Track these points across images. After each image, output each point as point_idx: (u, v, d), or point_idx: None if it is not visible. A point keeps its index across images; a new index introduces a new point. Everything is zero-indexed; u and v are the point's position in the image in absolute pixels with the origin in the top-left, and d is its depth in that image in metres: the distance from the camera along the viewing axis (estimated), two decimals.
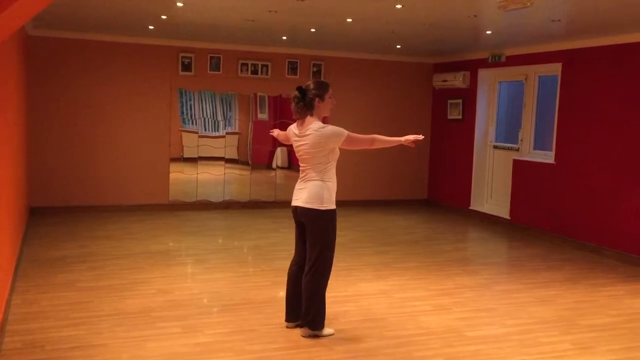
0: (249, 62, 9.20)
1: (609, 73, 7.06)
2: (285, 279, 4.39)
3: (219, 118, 9.49)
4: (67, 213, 8.39)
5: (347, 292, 5.27)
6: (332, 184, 4.14)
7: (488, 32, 7.13)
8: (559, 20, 6.12)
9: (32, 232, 7.19)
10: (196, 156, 9.32)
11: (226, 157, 9.48)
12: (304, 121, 4.14)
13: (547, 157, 8.04)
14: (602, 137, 7.15)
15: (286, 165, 9.97)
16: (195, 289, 5.31)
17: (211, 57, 9.00)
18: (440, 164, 10.17)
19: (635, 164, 6.72)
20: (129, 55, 8.66)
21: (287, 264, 6.03)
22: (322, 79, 9.05)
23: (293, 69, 9.42)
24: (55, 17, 6.91)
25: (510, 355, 4.03)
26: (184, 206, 9.15)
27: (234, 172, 9.57)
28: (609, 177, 7.04)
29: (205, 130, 9.41)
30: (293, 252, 4.45)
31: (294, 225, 4.41)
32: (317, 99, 4.12)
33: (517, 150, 8.62)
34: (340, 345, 4.10)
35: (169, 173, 9.05)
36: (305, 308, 4.15)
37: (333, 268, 4.26)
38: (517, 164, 8.45)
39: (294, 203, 4.20)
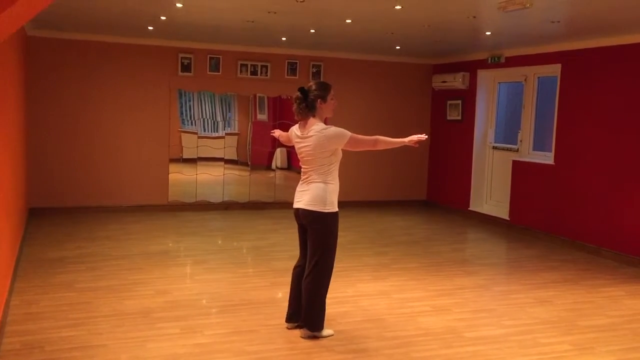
0: (249, 63, 9.20)
1: (608, 74, 7.07)
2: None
3: (219, 119, 9.50)
4: (67, 214, 8.39)
5: (347, 293, 5.27)
6: (335, 186, 4.12)
7: (487, 33, 7.13)
8: (558, 22, 6.13)
9: (32, 233, 7.19)
10: (195, 157, 9.33)
11: (225, 157, 9.48)
12: (306, 122, 4.11)
13: (547, 158, 8.04)
14: (601, 138, 7.16)
15: (286, 166, 9.98)
16: (195, 289, 5.31)
17: (210, 58, 9.00)
18: (439, 165, 10.18)
19: (634, 165, 6.72)
20: (128, 55, 8.66)
21: (286, 264, 6.05)
22: (321, 79, 9.05)
23: (292, 69, 9.42)
24: (55, 17, 6.91)
25: (509, 356, 4.04)
26: (183, 207, 9.15)
27: (234, 173, 9.57)
28: (608, 178, 7.05)
29: (204, 130, 9.41)
30: (293, 252, 4.45)
31: (293, 225, 4.40)
32: (319, 100, 4.09)
33: (517, 151, 8.63)
34: (339, 346, 4.10)
35: (168, 174, 9.05)
36: (305, 309, 4.15)
37: None
38: (516, 164, 8.46)
39: (296, 205, 4.18)
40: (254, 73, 9.24)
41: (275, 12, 6.09)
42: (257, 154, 9.80)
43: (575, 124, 7.52)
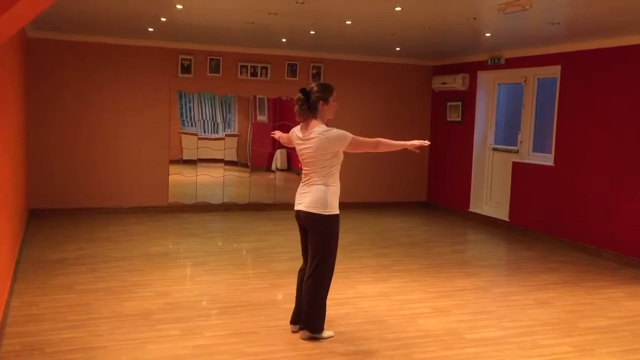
0: (249, 64, 9.21)
1: (608, 75, 7.07)
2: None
3: (219, 120, 9.50)
4: (67, 215, 8.39)
5: (347, 295, 5.27)
6: (336, 188, 4.11)
7: (487, 34, 7.14)
8: (558, 23, 6.13)
9: (32, 234, 7.19)
10: (195, 158, 9.33)
11: (225, 159, 9.48)
12: (307, 124, 4.10)
13: (547, 159, 8.05)
14: (601, 139, 7.16)
15: (285, 167, 9.98)
16: (195, 291, 5.31)
17: (210, 59, 9.01)
18: (439, 166, 10.18)
19: (634, 166, 6.73)
20: (128, 57, 8.66)
21: (286, 266, 6.06)
22: (321, 81, 9.05)
23: (292, 71, 9.43)
24: (55, 19, 6.91)
25: (509, 358, 4.03)
26: (183, 208, 9.15)
27: (234, 174, 9.57)
28: (608, 179, 7.05)
29: (204, 132, 9.41)
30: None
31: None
32: (320, 101, 4.08)
33: (517, 152, 8.63)
34: (339, 347, 4.10)
35: (168, 175, 9.05)
36: (306, 311, 4.14)
37: None
38: (516, 166, 8.46)
39: (297, 207, 4.17)
40: (254, 74, 9.24)
41: (275, 14, 6.10)
42: (257, 155, 9.80)
43: (575, 126, 7.52)
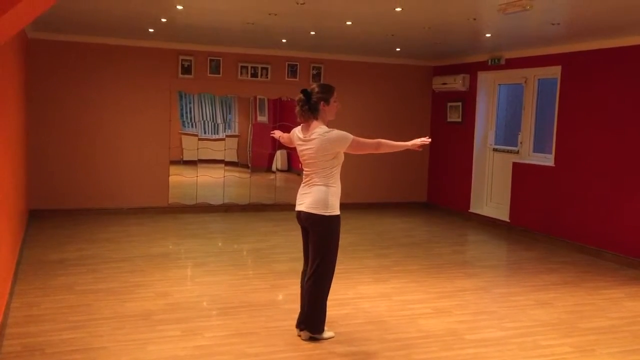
0: (249, 65, 9.21)
1: (609, 76, 7.07)
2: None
3: (219, 121, 9.50)
4: (67, 216, 8.40)
5: (347, 295, 5.27)
6: (337, 189, 4.11)
7: (488, 35, 7.14)
8: (558, 24, 6.13)
9: (32, 235, 7.19)
10: (196, 159, 9.33)
11: (226, 159, 9.48)
12: (309, 125, 4.10)
13: (547, 159, 8.04)
14: (601, 139, 7.16)
15: (286, 168, 9.98)
16: (195, 291, 5.31)
17: (211, 60, 9.01)
18: (439, 167, 10.18)
19: (634, 167, 6.72)
20: (128, 58, 8.67)
21: (286, 267, 6.05)
22: (322, 82, 9.05)
23: (293, 71, 9.43)
24: (55, 20, 6.92)
25: (510, 358, 4.03)
26: (183, 209, 9.15)
27: (234, 175, 9.57)
28: (609, 180, 7.05)
29: (205, 132, 9.41)
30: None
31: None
32: (322, 102, 4.08)
33: (517, 153, 8.63)
34: (340, 348, 4.10)
35: (168, 176, 9.06)
36: (307, 311, 4.14)
37: None
38: (516, 166, 8.46)
39: (298, 208, 4.16)
40: (254, 75, 9.25)
41: (275, 14, 6.10)
42: (258, 156, 9.80)
43: (575, 126, 7.52)
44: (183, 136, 9.26)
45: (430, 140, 4.18)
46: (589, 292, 5.66)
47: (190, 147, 9.29)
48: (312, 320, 4.14)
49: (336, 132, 4.02)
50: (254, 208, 9.51)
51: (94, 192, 8.65)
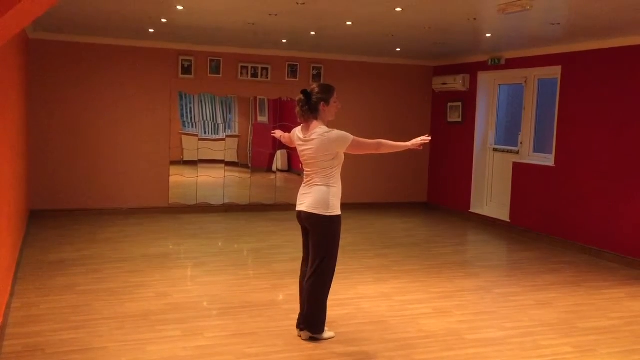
0: (249, 65, 9.22)
1: (609, 76, 7.07)
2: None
3: (219, 121, 9.49)
4: (67, 216, 8.40)
5: (348, 295, 5.27)
6: (337, 189, 4.11)
7: (488, 35, 7.14)
8: (558, 24, 6.13)
9: (32, 235, 7.19)
10: (196, 159, 9.33)
11: (226, 160, 9.48)
12: (309, 125, 4.10)
13: (547, 159, 8.04)
14: (601, 139, 7.16)
15: (286, 168, 9.98)
16: (195, 292, 5.31)
17: (211, 60, 9.01)
18: (440, 167, 10.18)
19: (634, 167, 6.72)
20: (129, 58, 8.67)
21: (287, 267, 6.05)
22: (322, 82, 9.05)
23: (293, 72, 9.43)
24: (56, 20, 6.92)
25: (510, 359, 4.03)
26: (183, 209, 9.15)
27: (234, 175, 9.57)
28: (609, 180, 7.05)
29: (205, 133, 9.41)
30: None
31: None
32: (322, 102, 4.08)
33: (517, 153, 8.63)
34: (340, 348, 4.10)
35: (169, 176, 9.06)
36: (307, 311, 4.14)
37: None
38: (516, 166, 8.46)
39: (299, 208, 4.16)
40: (254, 75, 9.25)
41: (275, 15, 6.10)
42: (258, 156, 9.80)
43: (575, 126, 7.52)
44: (183, 136, 9.26)
45: (430, 138, 4.18)
46: (589, 292, 5.66)
47: (191, 148, 9.29)
48: (312, 321, 4.14)
49: (336, 133, 4.02)
50: (254, 208, 9.51)
51: (94, 192, 8.66)
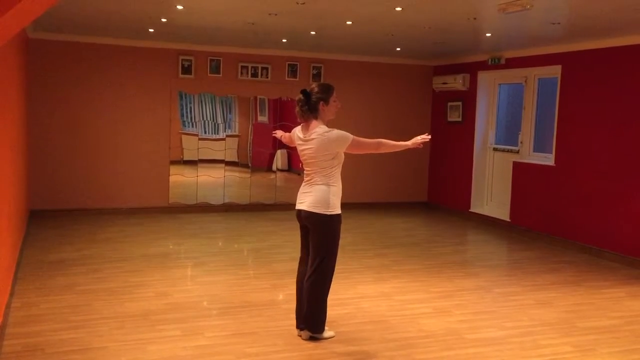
0: (249, 65, 9.21)
1: (609, 75, 7.07)
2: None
3: (219, 121, 9.49)
4: (67, 216, 8.40)
5: (348, 295, 5.27)
6: (337, 188, 4.11)
7: (488, 34, 7.14)
8: (559, 23, 6.13)
9: (32, 235, 7.19)
10: (196, 159, 9.33)
11: (226, 159, 9.48)
12: (308, 125, 4.11)
13: (547, 159, 8.04)
14: (602, 139, 7.16)
15: (286, 167, 9.98)
16: (195, 291, 5.31)
17: (211, 60, 9.01)
18: (440, 167, 10.18)
19: (635, 166, 6.72)
20: (129, 58, 8.67)
21: (287, 266, 6.05)
22: (322, 81, 9.03)
23: (293, 71, 9.43)
24: (56, 20, 6.92)
25: (510, 358, 4.03)
26: (184, 209, 9.15)
27: (234, 175, 9.57)
28: (609, 179, 7.05)
29: (205, 132, 9.41)
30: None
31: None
32: (321, 102, 4.08)
33: (517, 152, 8.63)
34: (340, 347, 4.09)
35: (169, 176, 9.06)
36: (307, 311, 4.14)
37: None
38: (517, 166, 8.46)
39: (299, 206, 4.17)
40: (254, 75, 9.25)
41: (275, 14, 6.10)
42: (258, 155, 9.80)
43: (575, 125, 7.52)
44: (183, 136, 9.26)
45: (430, 137, 4.18)
46: (589, 292, 5.66)
47: (191, 147, 9.29)
48: (312, 320, 4.14)
49: (336, 132, 4.02)
50: (254, 208, 9.51)
51: (94, 192, 8.66)
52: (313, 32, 7.31)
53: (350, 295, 5.27)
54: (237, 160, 9.68)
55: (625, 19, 5.73)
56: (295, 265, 4.40)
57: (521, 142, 8.54)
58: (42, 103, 8.32)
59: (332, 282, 4.21)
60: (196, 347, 4.02)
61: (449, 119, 9.80)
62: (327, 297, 4.18)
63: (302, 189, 4.19)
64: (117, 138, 8.71)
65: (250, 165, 9.70)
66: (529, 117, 8.43)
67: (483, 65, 9.07)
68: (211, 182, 9.40)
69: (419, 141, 4.15)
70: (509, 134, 9.05)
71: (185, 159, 9.33)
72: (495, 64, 8.78)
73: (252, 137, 9.71)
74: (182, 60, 8.87)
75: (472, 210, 9.37)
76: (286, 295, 5.20)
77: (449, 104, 9.78)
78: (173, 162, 9.10)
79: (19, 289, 5.13)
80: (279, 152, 9.80)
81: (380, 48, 8.71)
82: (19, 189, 6.23)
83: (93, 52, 8.48)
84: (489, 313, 4.99)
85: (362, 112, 9.78)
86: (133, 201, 8.86)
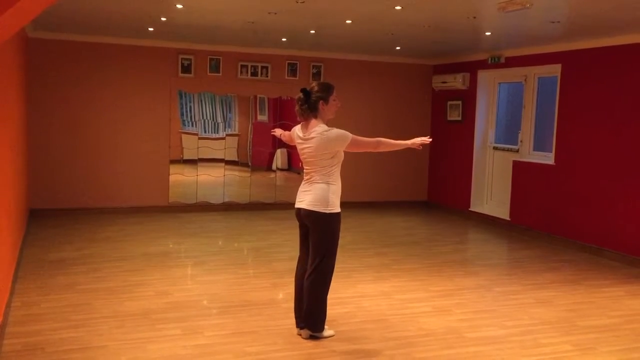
0: (249, 64, 9.21)
1: (609, 74, 7.06)
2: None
3: (219, 120, 9.50)
4: (67, 215, 8.40)
5: (348, 294, 5.27)
6: (337, 187, 4.12)
7: (487, 33, 7.13)
8: (558, 22, 6.13)
9: (32, 234, 7.19)
10: (196, 158, 9.33)
11: (226, 158, 9.48)
12: (308, 124, 4.11)
13: (547, 158, 8.04)
14: (601, 138, 7.15)
15: (286, 166, 9.98)
16: (195, 290, 5.31)
17: (211, 59, 9.01)
18: (440, 166, 10.18)
19: (635, 165, 6.72)
20: (128, 57, 8.66)
21: (287, 265, 6.05)
22: (321, 80, 9.04)
23: (293, 70, 9.43)
24: (55, 19, 6.91)
25: (510, 357, 4.03)
26: (183, 208, 9.15)
27: (234, 174, 9.57)
28: (609, 178, 7.04)
29: (205, 132, 9.41)
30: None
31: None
32: (321, 101, 4.08)
33: (517, 151, 8.62)
34: (340, 346, 4.09)
35: (168, 175, 9.06)
36: (307, 310, 4.14)
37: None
38: (516, 165, 8.46)
39: (298, 205, 4.17)
40: (254, 74, 9.25)
41: (275, 13, 6.10)
42: (258, 155, 9.80)
43: (575, 124, 7.52)
44: (183, 135, 9.26)
45: (430, 140, 4.18)
46: (590, 291, 5.66)
47: (191, 146, 9.29)
48: (312, 319, 4.14)
49: (335, 131, 4.02)
50: (254, 207, 9.51)
51: (94, 191, 8.66)
52: (313, 31, 7.31)
53: (350, 294, 5.27)
54: (237, 159, 9.68)
55: (625, 18, 5.73)
56: (295, 264, 4.40)
57: (521, 141, 8.54)
58: (42, 102, 8.32)
59: (332, 281, 4.21)
60: (196, 346, 4.02)
61: (449, 118, 9.80)
62: (327, 296, 4.18)
63: (302, 187, 4.19)
64: (117, 137, 8.71)
65: (250, 164, 9.70)
66: (528, 116, 8.43)
67: (483, 64, 9.07)
68: (211, 181, 9.40)
69: (418, 142, 4.16)
70: (508, 133, 9.05)
71: (185, 158, 9.33)
72: (495, 63, 8.78)
73: (252, 136, 9.71)
74: (182, 59, 8.87)
75: (472, 209, 9.37)
76: (286, 294, 5.20)
77: (449, 103, 9.78)
78: (173, 161, 9.10)
79: (19, 288, 5.13)
80: (278, 151, 9.80)
81: (380, 47, 8.71)
82: (19, 188, 6.23)
83: (93, 51, 8.48)
84: (489, 312, 4.99)
85: (362, 111, 9.78)
86: (133, 200, 8.86)
